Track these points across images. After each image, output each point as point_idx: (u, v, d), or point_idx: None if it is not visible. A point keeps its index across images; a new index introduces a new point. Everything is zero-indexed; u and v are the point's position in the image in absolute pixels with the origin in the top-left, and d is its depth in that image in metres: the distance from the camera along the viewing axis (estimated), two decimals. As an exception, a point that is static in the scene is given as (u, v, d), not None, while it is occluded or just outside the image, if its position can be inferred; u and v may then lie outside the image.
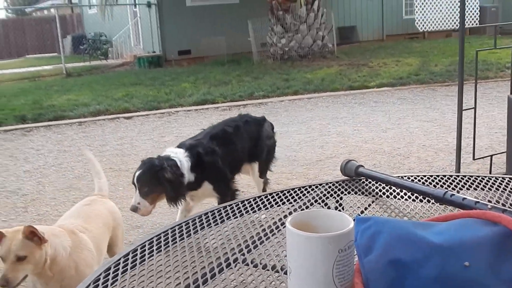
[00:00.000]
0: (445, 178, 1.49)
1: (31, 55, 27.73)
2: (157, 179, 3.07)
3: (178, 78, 12.46)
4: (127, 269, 1.08)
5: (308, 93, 9.59)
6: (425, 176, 1.51)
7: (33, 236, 2.08)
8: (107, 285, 1.01)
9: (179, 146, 3.41)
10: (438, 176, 1.51)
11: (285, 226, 1.24)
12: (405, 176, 1.47)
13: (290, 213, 1.30)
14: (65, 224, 2.41)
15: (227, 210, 1.36)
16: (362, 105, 8.31)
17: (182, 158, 3.22)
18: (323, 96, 9.30)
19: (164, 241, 1.20)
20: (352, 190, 1.44)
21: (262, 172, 3.91)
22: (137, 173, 3.12)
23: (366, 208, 1.33)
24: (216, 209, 1.37)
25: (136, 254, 1.15)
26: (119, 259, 1.13)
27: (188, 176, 3.23)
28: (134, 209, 3.06)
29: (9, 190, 5.16)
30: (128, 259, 1.13)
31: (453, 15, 16.44)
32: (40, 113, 9.10)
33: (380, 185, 1.46)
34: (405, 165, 5.06)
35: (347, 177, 1.53)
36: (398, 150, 5.60)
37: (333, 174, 4.89)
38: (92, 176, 3.05)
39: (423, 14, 16.78)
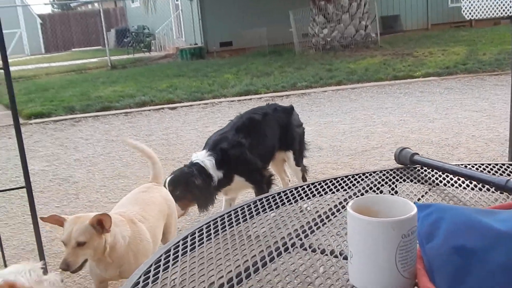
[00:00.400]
0: (504, 167, 1.46)
1: (77, 48, 28.41)
2: (187, 184, 3.21)
3: (220, 70, 12.54)
4: (186, 251, 1.10)
5: (352, 84, 9.49)
6: (482, 164, 1.48)
7: (98, 224, 2.14)
8: (168, 266, 1.03)
9: (204, 146, 3.51)
10: (496, 164, 1.48)
11: (340, 213, 1.24)
12: (461, 165, 1.44)
13: (345, 200, 1.29)
14: (126, 212, 2.46)
15: (281, 196, 1.37)
16: (408, 95, 8.17)
17: (204, 159, 3.31)
18: (367, 86, 9.19)
19: (221, 225, 1.22)
20: (408, 178, 1.43)
21: (298, 160, 3.91)
22: (168, 178, 3.26)
23: (422, 196, 1.32)
24: (271, 195, 1.38)
25: (195, 238, 1.17)
26: (178, 242, 1.15)
27: (216, 175, 3.30)
28: None
29: (61, 177, 5.32)
30: (186, 242, 1.15)
31: (502, 1, 15.93)
32: (87, 104, 9.35)
33: (436, 173, 1.44)
34: (454, 156, 4.95)
35: (401, 165, 1.51)
36: (446, 140, 5.48)
37: (380, 164, 4.84)
38: (148, 163, 3.08)
39: (470, 2, 16.32)
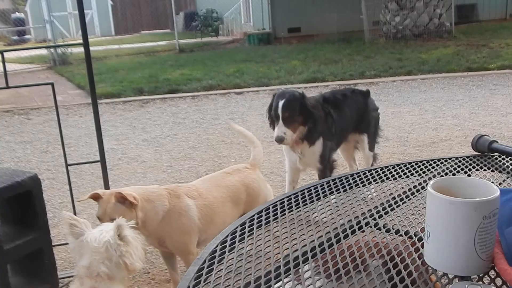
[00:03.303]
0: None
1: (146, 31, 29.02)
2: (301, 106, 3.11)
3: (288, 56, 12.52)
4: (261, 224, 1.12)
5: (422, 74, 9.22)
6: None
7: (124, 200, 2.21)
8: (244, 237, 1.06)
9: None
10: None
11: (415, 196, 1.23)
12: (544, 155, 1.39)
13: (419, 184, 1.28)
14: (179, 186, 2.50)
15: (354, 178, 1.37)
16: (481, 87, 7.86)
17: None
18: (438, 77, 8.91)
19: (295, 202, 1.24)
20: (485, 165, 1.39)
21: (372, 145, 3.86)
22: (280, 102, 3.10)
23: (500, 184, 1.28)
24: (344, 176, 1.39)
25: (269, 213, 1.19)
26: (253, 216, 1.18)
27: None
28: (281, 139, 3.07)
29: (130, 156, 5.50)
30: (261, 215, 1.17)
31: None
32: (156, 86, 9.58)
33: (515, 162, 1.39)
34: (528, 152, 4.74)
35: (478, 153, 1.47)
36: (520, 135, 5.26)
37: (448, 157, 4.70)
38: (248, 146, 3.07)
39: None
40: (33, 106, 8.57)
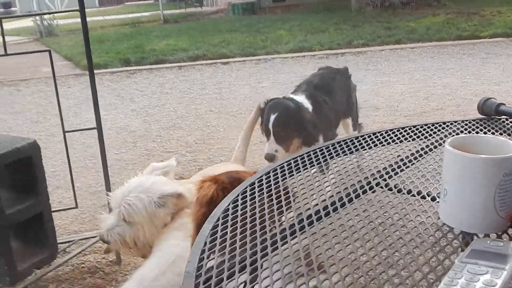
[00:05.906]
0: None
1: (130, 2, 28.58)
2: (296, 121, 2.77)
3: (273, 26, 12.40)
4: (277, 181, 1.11)
5: (412, 43, 9.16)
6: None
7: None
8: (252, 198, 1.05)
9: (295, 92, 3.09)
10: None
11: (423, 157, 1.22)
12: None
13: (427, 146, 1.27)
14: None
15: (359, 140, 1.36)
16: (472, 56, 7.83)
17: (304, 101, 2.90)
18: (428, 46, 8.85)
19: (302, 164, 1.22)
20: (492, 128, 1.38)
21: (355, 125, 3.63)
22: (272, 117, 2.75)
23: (508, 146, 1.27)
24: (349, 139, 1.37)
25: (277, 173, 1.17)
26: (269, 171, 1.16)
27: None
28: (271, 157, 2.72)
29: (119, 126, 5.45)
30: (277, 173, 1.16)
31: None
32: (142, 56, 9.48)
33: (522, 124, 1.39)
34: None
35: (485, 116, 1.46)
36: None
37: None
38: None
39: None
40: (21, 78, 8.45)
